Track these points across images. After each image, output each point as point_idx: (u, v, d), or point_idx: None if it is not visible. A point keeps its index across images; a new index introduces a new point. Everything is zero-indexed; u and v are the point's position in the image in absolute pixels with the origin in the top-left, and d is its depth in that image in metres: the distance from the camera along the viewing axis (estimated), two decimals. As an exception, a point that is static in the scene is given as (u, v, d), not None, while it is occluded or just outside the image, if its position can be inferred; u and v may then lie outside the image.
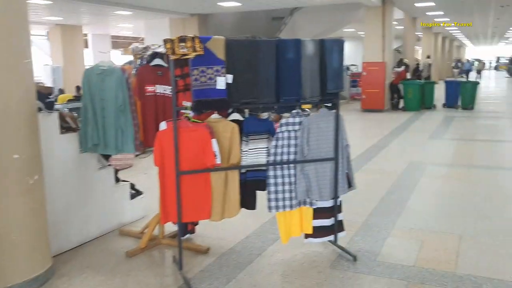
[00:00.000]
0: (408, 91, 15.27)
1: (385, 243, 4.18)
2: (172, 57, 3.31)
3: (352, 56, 33.31)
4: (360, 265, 3.73)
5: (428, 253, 3.94)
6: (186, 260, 3.79)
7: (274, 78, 3.65)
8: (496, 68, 57.46)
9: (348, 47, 29.02)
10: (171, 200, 3.55)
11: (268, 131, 3.78)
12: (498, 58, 62.13)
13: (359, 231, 4.48)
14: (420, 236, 4.33)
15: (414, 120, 12.92)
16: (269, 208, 3.78)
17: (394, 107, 15.69)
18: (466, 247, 4.04)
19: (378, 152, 8.45)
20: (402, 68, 16.81)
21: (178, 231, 3.70)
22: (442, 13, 19.81)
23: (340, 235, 4.05)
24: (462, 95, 15.31)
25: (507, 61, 47.32)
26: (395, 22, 24.15)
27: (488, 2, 17.14)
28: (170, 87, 3.90)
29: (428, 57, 26.15)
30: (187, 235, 4.33)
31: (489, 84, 30.40)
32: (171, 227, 4.28)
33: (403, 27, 22.36)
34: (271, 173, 3.76)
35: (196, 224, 4.33)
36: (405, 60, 20.02)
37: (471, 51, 72.44)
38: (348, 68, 24.08)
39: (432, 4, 16.78)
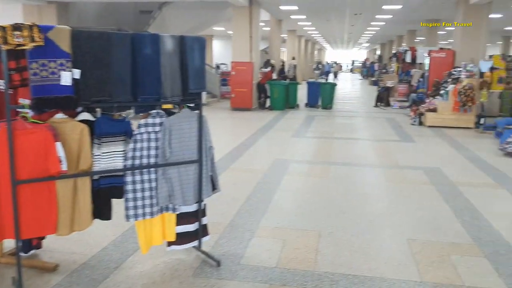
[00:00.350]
0: (274, 91, 15.86)
1: (249, 244, 4.16)
2: (4, 47, 2.83)
3: (223, 55, 33.82)
4: (224, 270, 3.63)
5: (290, 252, 4.00)
6: (30, 280, 3.32)
7: (129, 75, 3.35)
8: (351, 70, 63.15)
9: (219, 46, 29.76)
10: (7, 213, 3.05)
11: (125, 132, 3.47)
12: (353, 62, 68.32)
13: (224, 233, 4.40)
14: (283, 235, 4.40)
15: (279, 119, 13.44)
16: (127, 217, 3.48)
17: (261, 106, 16.18)
18: (324, 244, 4.20)
19: (246, 150, 8.55)
20: (269, 68, 17.44)
21: (16, 248, 3.19)
22: (304, 17, 21.00)
23: (204, 239, 3.91)
24: (322, 95, 16.40)
25: (361, 65, 52.32)
26: (262, 24, 25.04)
27: (344, 10, 18.62)
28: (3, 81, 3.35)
29: (293, 58, 27.59)
30: (32, 251, 3.80)
31: (346, 86, 33.18)
32: (12, 243, 3.71)
33: (269, 28, 23.23)
34: (129, 178, 3.46)
35: (43, 238, 3.82)
36: (272, 61, 20.82)
37: (331, 54, 78.67)
38: (218, 67, 24.34)
39: (296, 8, 17.68)
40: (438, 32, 22.67)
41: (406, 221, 4.89)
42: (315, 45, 47.54)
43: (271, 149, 8.99)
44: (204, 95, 3.97)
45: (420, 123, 12.38)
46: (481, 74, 11.16)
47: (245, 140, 9.57)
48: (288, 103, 16.43)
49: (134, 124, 3.51)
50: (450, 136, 10.62)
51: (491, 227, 4.71)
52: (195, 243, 3.85)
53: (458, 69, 12.46)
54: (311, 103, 16.86)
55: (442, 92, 12.48)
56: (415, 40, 28.01)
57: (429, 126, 11.98)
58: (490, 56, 11.20)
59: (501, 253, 4.09)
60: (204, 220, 3.90)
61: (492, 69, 10.88)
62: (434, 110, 12.10)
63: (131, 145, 3.43)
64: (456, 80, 12.00)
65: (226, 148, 8.55)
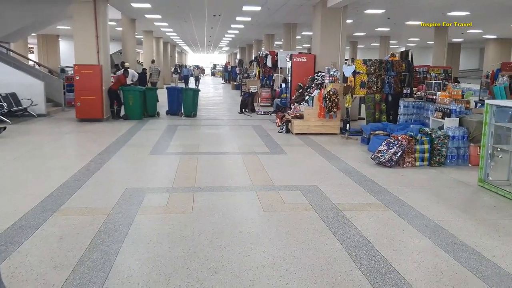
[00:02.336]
0: (128, 98, 14.01)
1: None
2: None
3: (70, 57, 30.29)
4: None
5: None
6: None
7: None
8: (213, 74, 62.87)
9: (66, 47, 26.20)
10: None
11: None
12: (215, 65, 68.29)
13: None
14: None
15: (135, 131, 11.71)
16: None
17: (115, 115, 14.20)
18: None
19: (88, 178, 6.77)
20: (121, 72, 15.50)
21: None
22: (159, 16, 19.39)
23: None
24: (184, 102, 15.02)
25: (222, 68, 52.16)
26: (113, 23, 22.71)
27: (202, 10, 17.48)
28: None
29: (153, 62, 25.71)
30: None
31: (209, 90, 32.27)
32: None
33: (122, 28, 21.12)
34: None
35: None
36: (126, 64, 18.82)
37: (192, 58, 77.77)
38: (63, 70, 21.36)
39: (148, 6, 16.01)
40: (297, 37, 22.90)
41: (297, 274, 3.76)
42: (175, 48, 45.90)
43: (122, 173, 7.32)
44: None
45: (287, 131, 11.76)
46: (345, 79, 10.88)
47: (89, 163, 7.74)
48: (146, 111, 14.72)
49: None
50: (319, 144, 10.09)
51: (396, 272, 3.83)
52: None
53: (321, 73, 12.13)
54: (173, 111, 15.40)
55: (307, 98, 12.03)
56: (274, 45, 28.25)
57: (297, 134, 11.41)
58: (352, 60, 10.96)
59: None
60: None
61: (354, 73, 10.64)
62: (300, 116, 11.56)
63: None
64: (321, 85, 11.63)
65: (60, 178, 6.67)
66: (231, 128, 12.66)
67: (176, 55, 51.18)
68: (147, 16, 19.26)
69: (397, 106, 10.62)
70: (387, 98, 11.03)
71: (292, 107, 12.82)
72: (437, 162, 7.94)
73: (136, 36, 30.62)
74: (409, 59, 11.55)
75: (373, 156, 8.04)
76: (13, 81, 14.24)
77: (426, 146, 7.92)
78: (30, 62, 23.83)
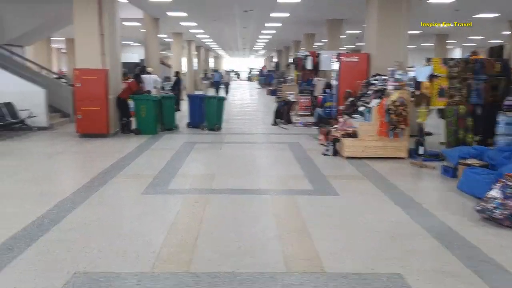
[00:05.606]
0: (140, 109, 11.58)
1: None
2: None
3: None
4: None
5: None
6: None
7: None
8: (249, 79, 60.50)
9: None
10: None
11: None
12: (251, 70, 65.95)
13: None
14: None
15: (142, 151, 9.23)
16: None
17: (125, 129, 11.81)
18: None
19: (31, 243, 4.26)
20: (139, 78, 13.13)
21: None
22: (184, 14, 16.97)
23: None
24: (207, 112, 12.46)
25: (258, 73, 49.65)
26: (136, 23, 20.55)
27: (231, 5, 14.94)
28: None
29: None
30: None
31: (242, 96, 29.78)
32: None
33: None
34: None
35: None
36: (149, 69, 16.52)
37: (229, 62, 75.89)
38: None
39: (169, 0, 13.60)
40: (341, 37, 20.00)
41: None
42: (209, 52, 43.80)
43: (84, 237, 4.70)
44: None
45: (335, 153, 8.94)
46: (417, 85, 7.95)
47: (51, 210, 5.24)
48: (163, 124, 12.26)
49: None
50: (382, 176, 7.24)
51: None
52: None
53: (381, 77, 9.26)
54: (194, 123, 12.87)
55: (361, 109, 9.19)
56: (313, 46, 25.42)
57: (348, 157, 8.59)
58: (428, 60, 8.02)
59: None
60: None
61: (431, 77, 7.72)
62: (352, 134, 8.73)
63: None
64: (381, 93, 8.75)
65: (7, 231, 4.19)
66: (261, 148, 9.95)
67: (212, 59, 49.15)
68: (170, 14, 16.89)
69: (489, 122, 7.64)
70: (474, 111, 8.04)
71: (341, 120, 9.98)
72: None
73: (166, 39, 28.67)
74: (506, 57, 8.48)
75: (479, 207, 5.11)
76: (11, 89, 12.11)
77: None
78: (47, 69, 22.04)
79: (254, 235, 4.65)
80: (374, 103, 8.65)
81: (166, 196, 6.03)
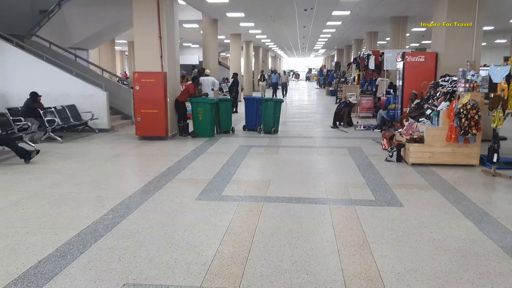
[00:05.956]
0: (198, 111, 11.58)
1: None
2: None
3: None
4: None
5: None
6: None
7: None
8: (308, 79, 59.83)
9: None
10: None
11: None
12: (310, 69, 65.25)
13: None
14: None
15: (198, 154, 9.18)
16: None
17: (183, 132, 11.87)
18: None
19: (83, 251, 4.21)
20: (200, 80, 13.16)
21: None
22: (242, 15, 16.90)
23: None
24: (264, 115, 12.25)
25: (317, 72, 48.92)
26: (195, 25, 20.78)
27: (290, 3, 14.64)
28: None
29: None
30: None
31: (300, 97, 29.39)
32: None
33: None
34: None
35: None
36: (207, 71, 16.66)
37: (287, 63, 75.59)
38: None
39: (226, 0, 13.51)
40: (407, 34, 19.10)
41: None
42: (267, 53, 43.70)
43: (136, 246, 4.62)
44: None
45: (399, 159, 8.40)
46: (492, 86, 7.26)
47: (106, 215, 5.22)
48: (219, 126, 12.21)
49: None
50: (452, 186, 6.67)
51: None
52: None
53: (451, 78, 8.60)
54: (250, 126, 12.72)
55: (428, 112, 8.58)
56: (376, 44, 24.56)
57: (413, 164, 8.05)
58: (506, 59, 7.30)
59: None
60: None
61: (508, 78, 7.00)
62: (419, 139, 8.15)
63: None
64: (451, 95, 8.11)
65: (43, 248, 4.18)
66: (319, 152, 9.57)
67: (270, 60, 49.04)
68: (229, 15, 16.89)
69: None
70: (558, 114, 7.22)
71: (406, 124, 9.40)
72: None
73: (225, 41, 28.86)
74: None
75: None
76: (74, 91, 12.58)
77: None
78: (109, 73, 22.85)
79: (310, 249, 4.33)
80: (443, 106, 8.02)
81: (220, 203, 5.85)
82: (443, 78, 8.91)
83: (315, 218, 5.23)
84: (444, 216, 5.33)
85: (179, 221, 5.12)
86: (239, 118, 15.32)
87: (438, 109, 8.12)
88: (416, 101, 10.13)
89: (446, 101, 8.08)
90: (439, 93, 8.75)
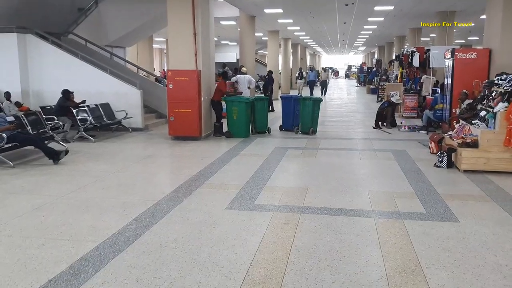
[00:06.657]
0: (232, 110, 11.14)
1: None
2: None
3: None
4: None
5: None
6: None
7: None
8: (347, 76, 58.56)
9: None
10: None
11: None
12: (350, 67, 63.92)
13: None
14: None
15: (231, 156, 8.74)
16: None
17: (218, 132, 11.47)
18: None
19: (99, 268, 3.82)
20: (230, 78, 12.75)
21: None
22: (280, 11, 16.34)
23: None
24: (301, 115, 11.68)
25: (357, 70, 47.72)
26: (232, 22, 20.38)
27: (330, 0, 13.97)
28: None
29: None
30: None
31: (340, 95, 28.54)
32: None
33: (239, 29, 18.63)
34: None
35: None
36: (243, 69, 16.21)
37: (326, 60, 74.37)
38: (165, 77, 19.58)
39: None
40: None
41: None
42: (306, 50, 42.87)
43: (162, 260, 4.18)
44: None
45: (450, 164, 7.65)
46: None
47: (130, 224, 4.83)
48: (255, 126, 11.73)
49: None
50: (513, 197, 5.92)
51: None
52: None
53: (510, 76, 7.76)
54: (287, 126, 12.19)
55: (483, 114, 7.78)
56: (420, 41, 23.42)
57: (466, 171, 7.29)
58: None
59: None
60: None
61: None
62: (472, 143, 7.39)
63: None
64: (510, 95, 7.29)
65: (56, 265, 3.83)
66: (361, 156, 8.92)
67: (308, 57, 48.16)
68: (267, 11, 16.37)
69: None
70: None
71: (456, 126, 8.62)
72: None
73: (263, 38, 28.35)
74: None
75: None
76: (108, 89, 12.42)
77: None
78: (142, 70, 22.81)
79: (354, 274, 3.77)
80: (501, 107, 7.22)
81: (252, 213, 5.36)
82: (499, 77, 8.07)
83: (359, 235, 4.65)
84: (509, 236, 4.63)
85: (206, 234, 4.66)
86: (275, 117, 14.80)
87: (494, 110, 7.33)
88: (468, 101, 9.30)
89: (504, 102, 7.28)
90: (495, 93, 7.94)
